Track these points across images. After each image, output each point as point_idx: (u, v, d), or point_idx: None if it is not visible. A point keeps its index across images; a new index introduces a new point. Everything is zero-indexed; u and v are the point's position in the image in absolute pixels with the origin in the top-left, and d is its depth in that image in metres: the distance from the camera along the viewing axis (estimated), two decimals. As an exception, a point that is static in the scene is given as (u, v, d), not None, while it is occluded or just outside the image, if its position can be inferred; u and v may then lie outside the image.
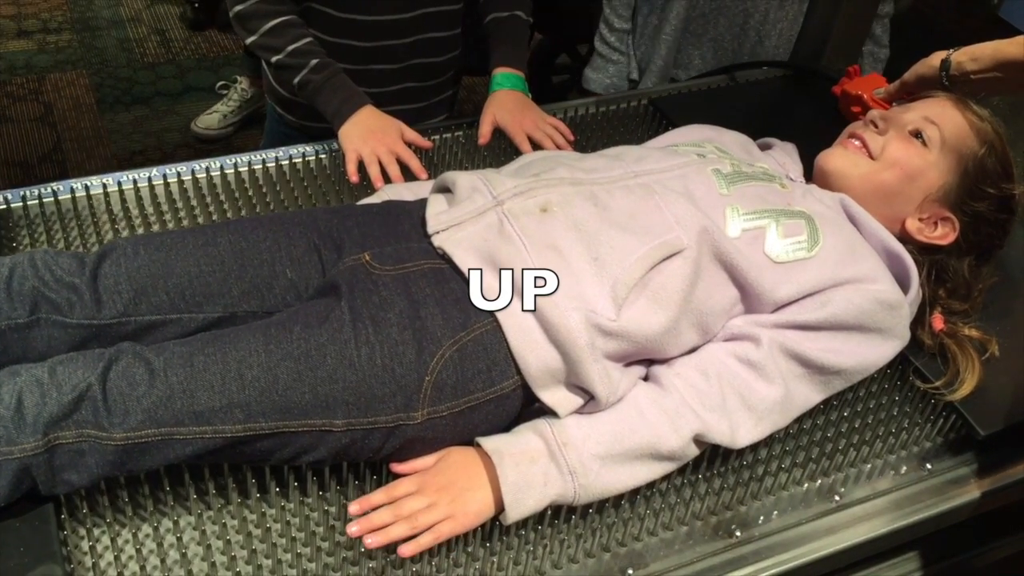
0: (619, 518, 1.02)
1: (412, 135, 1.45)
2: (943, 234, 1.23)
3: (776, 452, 1.11)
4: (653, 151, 1.24)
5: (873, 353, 1.13)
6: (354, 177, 1.37)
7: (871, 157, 1.25)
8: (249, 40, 1.48)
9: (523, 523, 0.99)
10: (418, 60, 1.66)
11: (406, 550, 0.94)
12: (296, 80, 1.47)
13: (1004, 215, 1.25)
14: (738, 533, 1.04)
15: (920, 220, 1.24)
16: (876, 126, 1.28)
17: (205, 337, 0.98)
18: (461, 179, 1.16)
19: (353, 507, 0.97)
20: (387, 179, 1.37)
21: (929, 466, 1.15)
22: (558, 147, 1.50)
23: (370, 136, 1.41)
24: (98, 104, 3.18)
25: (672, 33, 1.91)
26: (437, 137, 1.53)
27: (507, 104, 1.55)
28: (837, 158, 1.28)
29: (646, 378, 1.10)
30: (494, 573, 0.97)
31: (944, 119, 1.24)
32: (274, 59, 1.47)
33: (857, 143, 1.28)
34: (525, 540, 0.98)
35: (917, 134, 1.24)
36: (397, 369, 0.97)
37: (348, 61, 1.55)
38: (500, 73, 1.60)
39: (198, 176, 1.38)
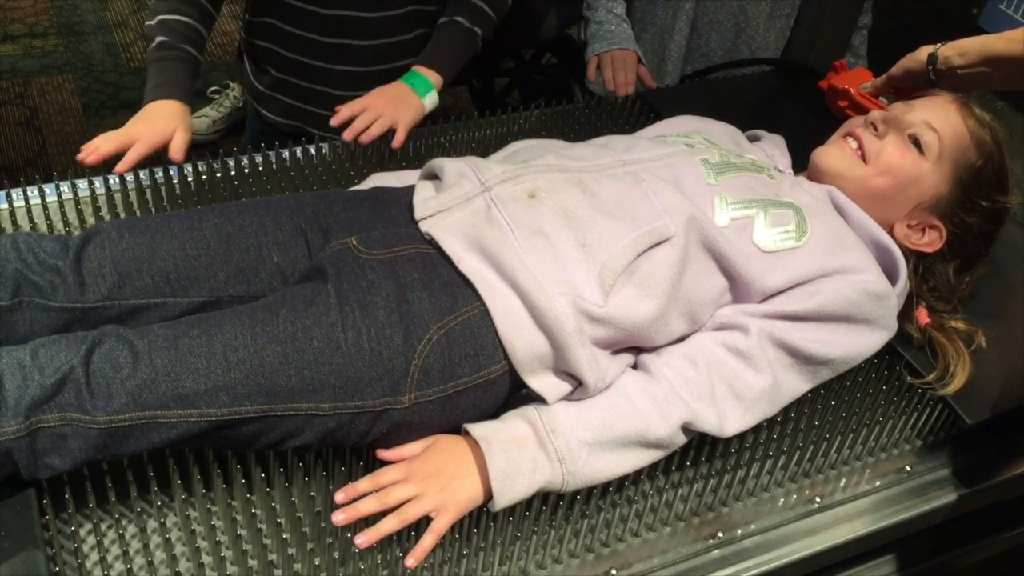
0: (602, 519, 1.01)
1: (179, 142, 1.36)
2: (929, 241, 1.23)
3: (759, 454, 1.10)
4: (641, 140, 1.24)
5: (861, 343, 1.13)
6: (81, 156, 1.29)
7: (865, 161, 1.24)
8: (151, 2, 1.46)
9: (508, 522, 0.98)
10: (387, 65, 1.63)
11: (410, 561, 0.92)
12: (148, 49, 1.42)
13: (992, 226, 1.25)
14: (720, 534, 1.04)
15: (908, 226, 1.23)
16: (876, 128, 1.26)
17: (190, 320, 0.97)
18: (449, 165, 1.16)
19: (339, 495, 0.95)
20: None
21: (909, 467, 1.15)
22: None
23: (141, 123, 1.34)
24: (84, 109, 3.15)
25: (677, 50, 1.92)
26: (418, 142, 1.52)
27: (386, 89, 1.50)
28: (832, 157, 1.27)
29: (635, 366, 1.09)
30: (479, 573, 0.96)
31: (945, 126, 1.22)
32: (146, 23, 1.44)
33: (853, 144, 1.26)
34: (510, 539, 0.97)
35: (915, 140, 1.22)
36: (384, 352, 0.96)
37: (311, 56, 1.52)
38: (411, 70, 1.55)
39: (187, 176, 1.36)
